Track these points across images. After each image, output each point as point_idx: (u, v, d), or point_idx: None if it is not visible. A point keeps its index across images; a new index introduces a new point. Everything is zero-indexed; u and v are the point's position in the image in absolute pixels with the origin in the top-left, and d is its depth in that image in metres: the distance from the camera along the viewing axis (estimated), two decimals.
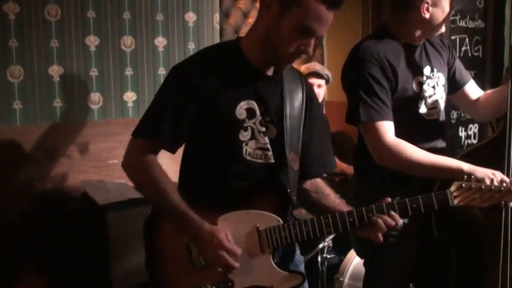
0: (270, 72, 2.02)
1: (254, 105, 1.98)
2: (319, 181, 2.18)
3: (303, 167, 2.12)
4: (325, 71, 4.01)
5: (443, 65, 2.58)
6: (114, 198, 3.27)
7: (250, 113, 1.98)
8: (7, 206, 3.31)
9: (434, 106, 2.50)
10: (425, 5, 2.38)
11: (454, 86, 2.64)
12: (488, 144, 2.48)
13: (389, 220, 1.92)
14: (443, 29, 2.48)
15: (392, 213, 1.92)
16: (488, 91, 2.63)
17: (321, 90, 3.96)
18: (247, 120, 1.97)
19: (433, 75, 2.51)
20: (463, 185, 1.99)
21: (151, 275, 2.02)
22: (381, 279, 2.59)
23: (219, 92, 1.94)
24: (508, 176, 2.32)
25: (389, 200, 1.95)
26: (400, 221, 1.94)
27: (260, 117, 1.99)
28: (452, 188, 1.99)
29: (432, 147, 2.45)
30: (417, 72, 2.47)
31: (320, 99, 3.84)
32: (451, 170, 2.28)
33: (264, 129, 2.00)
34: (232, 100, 1.96)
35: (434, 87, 2.50)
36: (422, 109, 2.47)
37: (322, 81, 3.98)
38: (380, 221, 1.91)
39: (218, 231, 1.89)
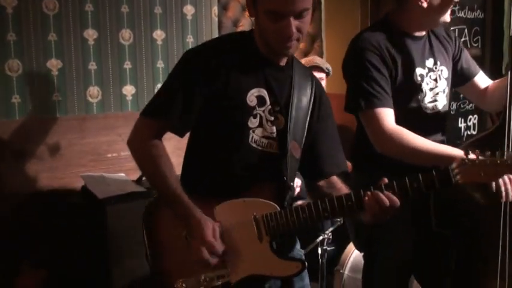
0: (282, 63, 2.03)
1: (265, 93, 1.99)
2: (333, 177, 2.15)
3: (315, 167, 2.13)
4: (326, 65, 4.00)
5: (448, 58, 2.56)
6: (114, 191, 3.28)
7: (261, 100, 1.98)
8: (6, 200, 3.32)
9: (435, 99, 2.48)
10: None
11: (462, 78, 2.62)
12: (488, 136, 2.47)
13: (385, 199, 1.83)
14: (447, 19, 2.44)
15: (387, 192, 1.84)
16: (496, 81, 2.61)
17: (323, 82, 3.97)
18: (257, 107, 1.98)
19: (435, 67, 2.49)
20: (466, 160, 1.84)
21: (150, 264, 2.03)
22: (378, 271, 2.59)
23: (231, 77, 1.94)
24: None
25: (386, 180, 1.88)
26: (398, 202, 1.84)
27: (270, 106, 2.00)
28: (454, 164, 1.86)
29: (432, 140, 2.44)
30: (419, 63, 2.45)
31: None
32: (452, 159, 2.24)
33: (272, 118, 2.00)
34: (244, 86, 1.97)
35: (436, 80, 2.48)
36: (423, 101, 2.46)
37: (323, 75, 3.97)
38: (374, 202, 1.84)
39: (205, 223, 1.88)
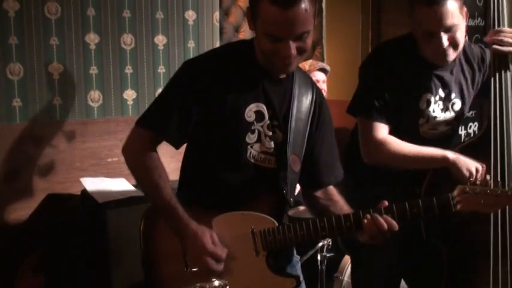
0: (282, 75, 2.00)
1: (263, 108, 1.97)
2: (330, 188, 2.15)
3: (313, 176, 2.11)
4: (326, 66, 4.08)
5: (467, 90, 2.49)
6: (114, 196, 3.27)
7: (259, 115, 1.97)
8: (6, 204, 3.32)
9: (434, 128, 2.47)
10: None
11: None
12: (477, 141, 2.47)
13: (383, 222, 1.86)
14: (448, 58, 2.34)
15: (386, 216, 1.87)
16: None
17: (325, 85, 4.02)
18: (255, 122, 1.96)
19: (448, 99, 2.45)
20: (467, 188, 1.88)
21: (146, 273, 2.01)
22: (365, 275, 2.60)
23: (229, 92, 1.92)
24: (496, 170, 2.32)
25: (387, 203, 1.91)
26: (396, 226, 1.87)
27: (268, 121, 1.98)
28: (455, 192, 1.89)
29: None
30: (429, 89, 2.41)
31: (325, 94, 3.86)
32: (436, 159, 2.28)
33: (270, 133, 1.99)
34: (242, 101, 1.94)
35: (442, 111, 2.46)
36: (422, 126, 2.45)
37: (325, 77, 4.04)
38: (372, 225, 1.86)
39: (203, 232, 1.87)
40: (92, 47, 3.64)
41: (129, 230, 2.58)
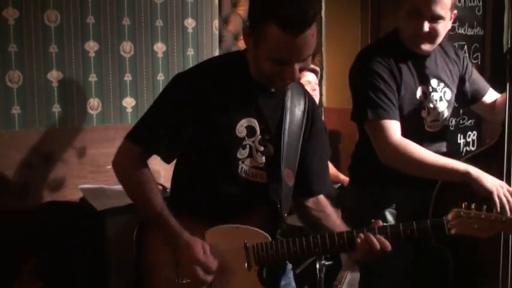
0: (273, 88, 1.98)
1: (255, 123, 1.95)
2: (321, 198, 2.14)
3: (304, 185, 2.10)
4: (316, 67, 4.03)
5: (452, 80, 2.54)
6: (113, 203, 3.27)
7: (251, 131, 1.95)
8: (4, 211, 3.31)
9: (436, 119, 2.48)
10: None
11: (471, 98, 2.62)
12: (488, 151, 2.48)
13: (375, 243, 1.86)
14: (425, 48, 2.40)
15: (379, 236, 1.87)
16: (503, 94, 2.61)
17: (317, 86, 3.94)
18: (246, 138, 1.95)
19: (439, 88, 2.49)
20: (462, 212, 1.88)
21: (138, 283, 2.01)
22: (375, 285, 2.59)
23: (220, 108, 1.91)
24: (508, 181, 2.31)
25: (380, 223, 1.92)
26: (389, 246, 1.88)
27: (260, 136, 1.96)
28: (450, 216, 1.89)
29: None
30: (423, 81, 2.45)
31: (318, 95, 3.82)
32: (457, 173, 2.24)
33: (262, 148, 1.97)
34: (233, 117, 1.93)
35: (437, 101, 2.48)
36: (425, 119, 2.46)
37: (317, 78, 3.97)
38: (365, 244, 1.87)
39: (195, 243, 1.87)
40: (92, 54, 3.64)
41: (128, 238, 2.57)
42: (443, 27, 2.36)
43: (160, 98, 1.99)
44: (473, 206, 1.90)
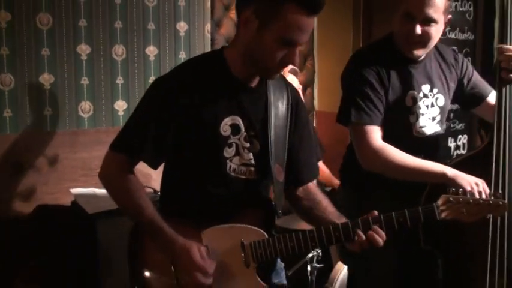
0: (254, 84, 2.00)
1: (239, 120, 1.96)
2: (311, 186, 2.16)
3: (293, 175, 2.10)
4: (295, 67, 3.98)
5: (447, 85, 2.54)
6: (104, 207, 3.26)
7: (235, 129, 1.96)
8: None
9: (425, 125, 2.50)
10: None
11: (472, 101, 2.63)
12: (477, 154, 2.49)
13: (376, 237, 1.90)
14: (419, 53, 2.41)
15: (374, 226, 1.91)
16: None
17: (298, 84, 3.89)
18: (231, 136, 1.95)
19: (431, 94, 2.49)
20: (451, 198, 1.97)
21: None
22: (363, 285, 2.61)
23: (202, 108, 1.91)
24: (497, 184, 2.34)
25: (376, 213, 1.95)
26: (384, 237, 1.92)
27: (245, 133, 1.97)
28: (440, 202, 1.98)
29: None
30: (413, 87, 2.45)
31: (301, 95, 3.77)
32: (434, 175, 2.29)
33: (248, 144, 1.98)
34: (217, 116, 1.93)
35: (428, 107, 2.49)
36: (413, 125, 2.47)
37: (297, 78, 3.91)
38: (363, 237, 1.91)
39: (191, 247, 1.86)
40: (83, 57, 3.64)
41: (120, 241, 2.57)
42: (436, 31, 2.37)
43: (141, 104, 1.98)
44: (460, 191, 2.00)
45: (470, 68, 2.65)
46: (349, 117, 2.39)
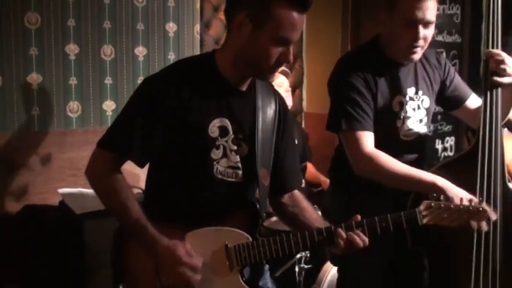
0: (244, 87, 2.01)
1: (227, 123, 1.97)
2: (296, 193, 2.18)
3: (278, 182, 2.12)
4: (286, 69, 3.98)
5: (431, 87, 2.56)
6: (92, 207, 3.25)
7: (223, 131, 1.96)
8: None
9: (412, 128, 2.51)
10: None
11: (453, 103, 2.65)
12: (463, 157, 2.51)
13: (357, 239, 1.93)
14: (415, 57, 2.42)
15: (357, 230, 1.94)
16: None
17: (288, 87, 3.90)
18: (219, 138, 1.96)
19: (416, 97, 2.51)
20: (432, 204, 2.01)
21: None
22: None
23: (191, 109, 1.91)
24: (481, 189, 2.36)
25: (359, 217, 1.97)
26: (367, 241, 1.95)
27: (232, 136, 1.98)
28: (422, 207, 2.01)
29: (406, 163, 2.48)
30: (399, 91, 2.47)
31: (290, 100, 3.77)
32: (425, 184, 2.30)
33: (235, 147, 1.99)
34: (205, 118, 1.94)
35: (415, 110, 2.51)
36: (400, 129, 2.49)
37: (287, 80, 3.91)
38: (342, 242, 1.93)
39: (176, 246, 1.87)
40: (72, 57, 3.63)
41: (107, 241, 2.56)
42: (431, 33, 2.41)
43: (130, 103, 1.98)
44: (442, 198, 2.03)
45: (452, 70, 2.67)
46: (339, 124, 2.40)
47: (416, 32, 2.34)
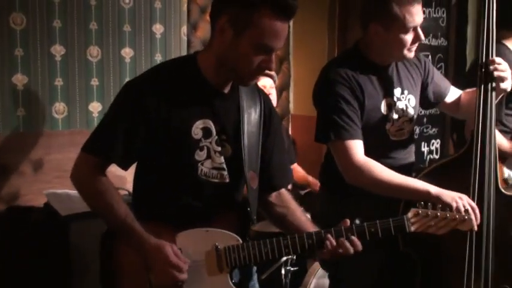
0: (226, 90, 2.01)
1: (210, 124, 1.97)
2: (283, 193, 2.18)
3: (266, 180, 2.12)
4: (272, 73, 3.97)
5: (415, 85, 2.59)
6: (78, 209, 3.23)
7: (206, 132, 1.97)
8: None
9: (401, 128, 2.53)
10: (374, 29, 2.41)
11: (435, 99, 2.68)
12: (454, 161, 2.53)
13: (346, 244, 1.95)
14: (409, 55, 2.46)
15: (353, 238, 1.96)
16: (467, 91, 2.67)
17: (273, 91, 3.88)
18: (203, 139, 1.96)
19: (403, 97, 2.53)
20: (420, 211, 2.04)
21: None
22: None
23: (173, 111, 1.92)
24: (473, 191, 2.38)
25: (348, 222, 1.99)
26: (360, 247, 1.97)
27: (216, 137, 1.98)
28: (410, 215, 2.04)
29: (399, 165, 2.50)
30: (386, 93, 2.49)
31: (274, 99, 3.77)
32: (418, 193, 2.31)
33: (219, 148, 1.99)
34: (188, 119, 1.94)
35: (403, 110, 2.53)
36: (389, 130, 2.50)
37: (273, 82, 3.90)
38: (335, 244, 1.95)
39: (164, 245, 1.87)
40: (58, 58, 3.61)
41: (93, 243, 2.55)
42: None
43: (113, 107, 1.99)
44: (429, 205, 2.06)
45: (432, 66, 2.72)
46: (328, 135, 2.40)
47: (418, 34, 2.40)
